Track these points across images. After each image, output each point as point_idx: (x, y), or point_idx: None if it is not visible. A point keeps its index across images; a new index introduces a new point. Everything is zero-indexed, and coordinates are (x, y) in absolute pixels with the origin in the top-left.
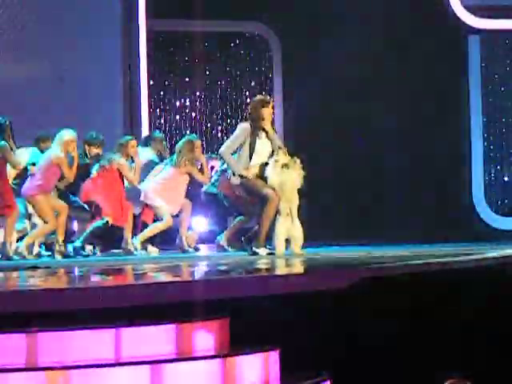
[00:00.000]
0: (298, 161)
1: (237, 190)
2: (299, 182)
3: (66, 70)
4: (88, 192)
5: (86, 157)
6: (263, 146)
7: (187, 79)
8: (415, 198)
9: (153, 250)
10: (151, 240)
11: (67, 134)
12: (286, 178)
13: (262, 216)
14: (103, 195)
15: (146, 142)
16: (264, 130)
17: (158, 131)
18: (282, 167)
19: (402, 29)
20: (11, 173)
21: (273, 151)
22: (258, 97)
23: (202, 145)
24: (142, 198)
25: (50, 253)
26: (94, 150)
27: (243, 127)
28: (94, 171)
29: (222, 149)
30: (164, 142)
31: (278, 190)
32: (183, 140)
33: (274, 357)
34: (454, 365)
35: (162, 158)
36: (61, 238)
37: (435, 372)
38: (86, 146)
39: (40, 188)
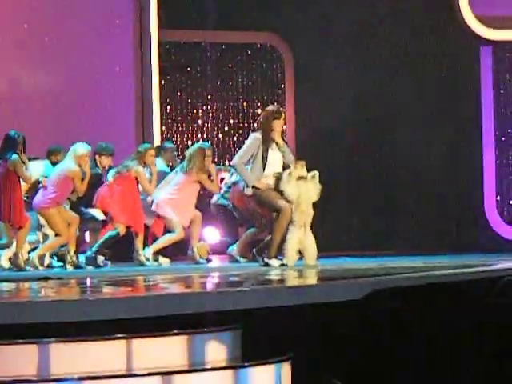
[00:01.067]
0: (317, 175)
1: (249, 202)
2: (316, 196)
3: (77, 82)
4: (104, 198)
5: (97, 167)
6: (275, 156)
7: (199, 90)
8: (428, 209)
9: (164, 261)
10: (162, 251)
11: (81, 148)
12: (302, 191)
13: (275, 227)
14: (119, 202)
15: (157, 153)
16: (274, 141)
17: (168, 141)
18: (298, 179)
19: (415, 39)
20: (23, 186)
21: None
22: (270, 108)
23: (214, 156)
24: (153, 209)
25: (61, 264)
26: (105, 160)
27: (254, 137)
28: (111, 177)
29: (235, 160)
30: (175, 153)
31: (294, 202)
32: (195, 147)
33: (286, 368)
34: (469, 373)
35: (172, 169)
36: (72, 249)
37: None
38: (97, 156)
39: (53, 201)
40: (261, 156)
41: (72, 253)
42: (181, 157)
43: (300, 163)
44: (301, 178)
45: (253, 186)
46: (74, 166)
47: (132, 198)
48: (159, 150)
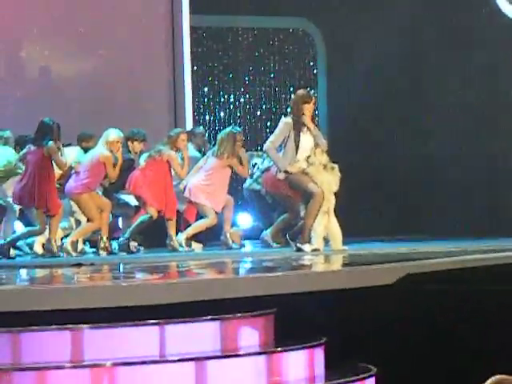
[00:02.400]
0: (337, 167)
1: (282, 187)
2: (336, 186)
3: (109, 68)
4: (136, 182)
5: (129, 152)
6: (307, 140)
7: (231, 75)
8: (462, 193)
9: (197, 247)
10: (195, 236)
11: (113, 134)
12: (323, 180)
13: (307, 212)
14: (151, 186)
15: (188, 138)
16: (305, 125)
17: (198, 126)
18: (319, 166)
19: (454, 24)
20: (56, 173)
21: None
22: (300, 92)
23: (247, 141)
24: (185, 194)
25: (94, 250)
26: (137, 146)
27: (285, 122)
28: (143, 161)
29: (267, 144)
30: (205, 137)
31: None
32: (226, 131)
33: (319, 353)
34: (503, 359)
35: (203, 154)
36: (105, 235)
37: (484, 367)
38: (129, 142)
39: (85, 186)
40: (292, 140)
41: (105, 239)
42: (213, 142)
43: (319, 149)
44: (323, 165)
45: (285, 171)
46: (105, 151)
47: (164, 182)
48: (190, 135)
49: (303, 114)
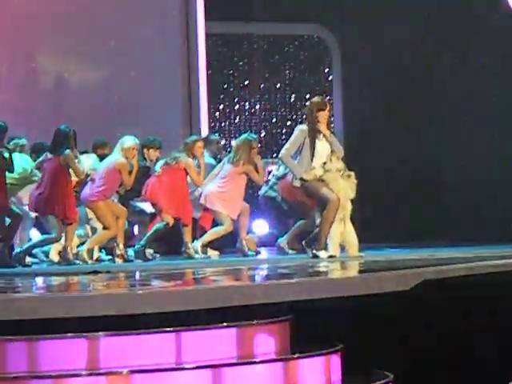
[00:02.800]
0: (353, 174)
1: (298, 194)
2: (352, 193)
3: (125, 76)
4: (153, 189)
5: (145, 160)
6: (323, 147)
7: (246, 82)
8: (479, 200)
9: (213, 254)
10: (211, 243)
11: (129, 141)
12: (340, 187)
13: (323, 219)
14: (167, 193)
15: (203, 145)
16: (321, 132)
17: (214, 133)
18: (337, 173)
19: (462, 28)
20: (72, 180)
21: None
22: (315, 99)
23: (262, 148)
24: (201, 201)
25: (110, 257)
26: (153, 153)
27: (300, 129)
28: (159, 168)
29: (282, 152)
30: (220, 144)
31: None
32: (241, 138)
33: (335, 359)
34: None
35: (219, 161)
36: (121, 243)
37: (501, 374)
38: (145, 150)
39: (101, 194)
40: (308, 147)
41: (121, 246)
42: (228, 149)
43: (335, 156)
44: (339, 171)
45: (301, 178)
46: (121, 158)
47: (180, 189)
48: (205, 142)
49: (318, 121)
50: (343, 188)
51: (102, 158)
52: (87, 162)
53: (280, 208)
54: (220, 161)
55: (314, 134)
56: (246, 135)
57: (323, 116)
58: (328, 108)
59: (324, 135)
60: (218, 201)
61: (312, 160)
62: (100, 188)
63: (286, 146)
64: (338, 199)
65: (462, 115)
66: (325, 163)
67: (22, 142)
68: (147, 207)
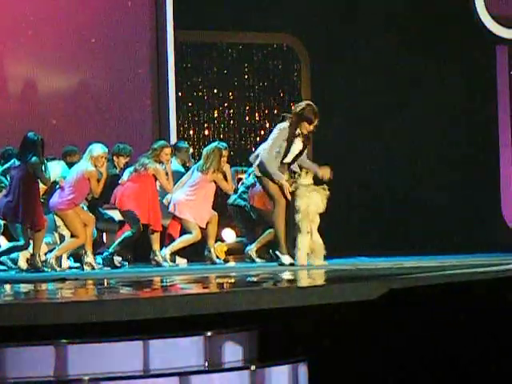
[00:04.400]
0: (327, 188)
1: (267, 203)
2: (323, 206)
3: (94, 83)
4: (122, 197)
5: (115, 168)
6: (298, 146)
7: (215, 91)
8: (442, 208)
9: (181, 262)
10: (179, 251)
11: (97, 149)
12: (311, 202)
13: (275, 221)
14: (136, 200)
15: (172, 152)
16: (300, 136)
17: (182, 141)
18: (307, 188)
19: (429, 38)
20: (40, 188)
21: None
22: (309, 108)
23: (231, 156)
24: (170, 210)
25: (78, 264)
26: (123, 161)
27: (282, 129)
28: (126, 176)
29: (264, 156)
30: (189, 152)
31: (303, 211)
32: (212, 146)
33: (302, 368)
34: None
35: (187, 169)
36: (89, 250)
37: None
38: (115, 157)
39: (71, 202)
40: (285, 145)
41: (89, 253)
42: (197, 157)
43: (304, 171)
44: (310, 187)
45: (270, 176)
46: (90, 166)
47: (151, 195)
48: (174, 150)
49: (300, 130)
50: (314, 202)
51: (71, 165)
52: (56, 169)
53: (249, 216)
54: (188, 169)
55: (293, 136)
56: (215, 143)
57: (306, 128)
58: (315, 124)
59: (302, 141)
60: (187, 209)
61: (285, 156)
62: (69, 196)
63: (266, 147)
64: (283, 199)
65: (436, 123)
66: (298, 175)
67: None
68: (116, 215)
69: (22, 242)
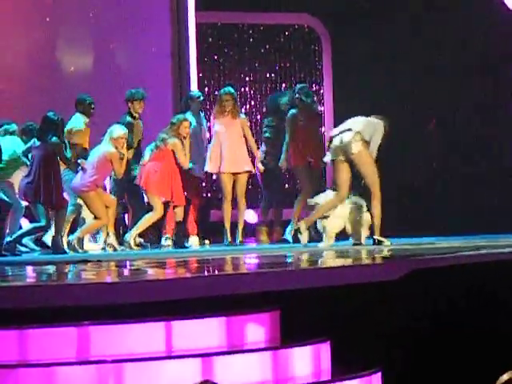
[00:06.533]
0: None
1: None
2: None
3: (115, 64)
4: (146, 179)
5: (131, 116)
6: None
7: (237, 72)
8: (468, 189)
9: (205, 242)
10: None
11: (118, 130)
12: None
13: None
14: (159, 182)
15: (186, 104)
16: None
17: (195, 91)
18: None
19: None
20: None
21: None
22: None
23: (253, 134)
24: None
25: (101, 245)
26: (137, 106)
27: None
28: (147, 155)
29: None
30: (201, 102)
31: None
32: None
33: (324, 349)
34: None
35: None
36: (111, 231)
37: (491, 364)
38: (130, 104)
39: (92, 184)
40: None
41: (111, 235)
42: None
43: None
44: None
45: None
46: (111, 148)
47: (171, 171)
48: (186, 101)
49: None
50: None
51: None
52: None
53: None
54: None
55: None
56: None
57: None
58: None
59: None
60: None
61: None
62: (91, 178)
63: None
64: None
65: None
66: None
67: (12, 128)
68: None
69: (43, 223)
